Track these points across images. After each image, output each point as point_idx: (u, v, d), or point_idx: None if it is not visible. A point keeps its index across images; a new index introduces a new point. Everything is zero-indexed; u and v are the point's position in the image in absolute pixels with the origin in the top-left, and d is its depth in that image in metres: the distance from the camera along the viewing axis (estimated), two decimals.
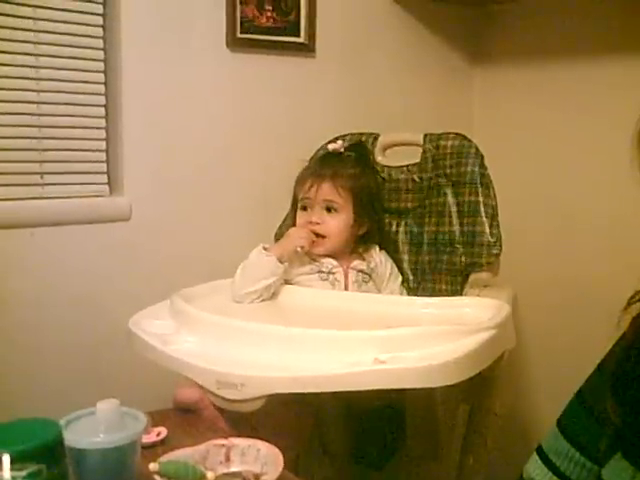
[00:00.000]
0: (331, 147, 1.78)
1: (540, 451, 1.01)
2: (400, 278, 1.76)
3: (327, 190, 1.68)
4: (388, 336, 1.26)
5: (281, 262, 1.60)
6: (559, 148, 2.17)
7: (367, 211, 1.72)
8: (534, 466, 1.00)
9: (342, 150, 1.76)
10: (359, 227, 1.72)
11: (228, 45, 1.90)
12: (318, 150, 1.89)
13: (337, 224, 1.69)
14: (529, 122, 2.25)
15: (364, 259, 1.73)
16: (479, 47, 2.39)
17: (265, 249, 1.61)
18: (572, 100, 2.12)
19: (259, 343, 1.29)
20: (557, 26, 2.14)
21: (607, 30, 2.00)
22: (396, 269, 1.76)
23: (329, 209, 1.69)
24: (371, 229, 1.74)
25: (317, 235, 1.68)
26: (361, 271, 1.70)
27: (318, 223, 1.68)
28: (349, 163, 1.73)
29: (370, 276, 1.71)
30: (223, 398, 1.23)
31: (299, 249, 1.65)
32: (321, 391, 1.20)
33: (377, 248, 1.75)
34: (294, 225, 1.75)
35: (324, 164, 1.74)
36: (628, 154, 0.90)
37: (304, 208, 1.72)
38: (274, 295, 1.62)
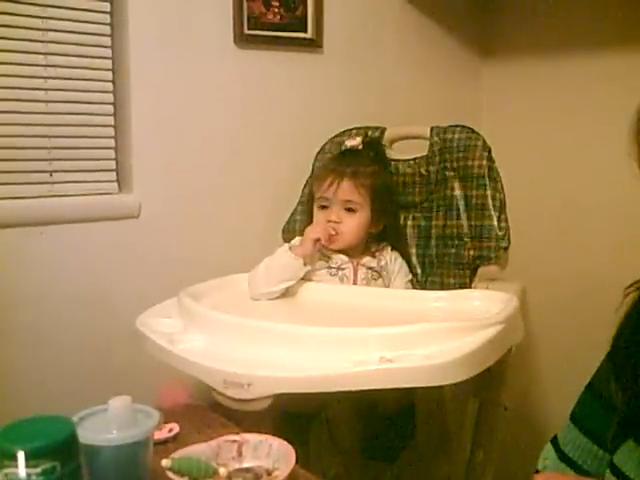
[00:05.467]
0: (349, 144, 1.76)
1: (555, 443, 1.02)
2: (409, 277, 1.75)
3: (347, 189, 1.67)
4: (394, 334, 1.25)
5: (305, 264, 1.61)
6: (567, 142, 2.17)
7: (384, 210, 1.72)
8: (547, 456, 1.01)
9: (360, 147, 1.75)
10: (375, 226, 1.72)
11: (236, 42, 1.90)
12: (325, 144, 1.89)
13: (355, 224, 1.68)
14: (537, 116, 2.25)
15: (375, 257, 1.72)
16: (487, 41, 2.39)
17: (292, 248, 1.61)
18: (580, 94, 2.11)
19: (266, 342, 1.29)
20: (565, 21, 2.13)
21: (616, 24, 1.99)
22: (406, 267, 1.75)
23: (348, 209, 1.68)
24: (387, 227, 1.74)
25: (335, 233, 1.67)
26: (370, 268, 1.70)
27: (337, 222, 1.67)
28: (367, 161, 1.72)
29: (379, 274, 1.70)
30: (230, 397, 1.23)
31: (317, 243, 1.63)
32: (327, 391, 1.20)
33: (389, 248, 1.75)
34: (307, 220, 1.76)
35: (343, 161, 1.72)
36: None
37: (323, 207, 1.70)
38: None
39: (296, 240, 1.71)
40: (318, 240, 1.64)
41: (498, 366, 1.38)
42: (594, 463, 0.96)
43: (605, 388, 0.95)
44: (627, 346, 0.90)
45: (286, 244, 1.65)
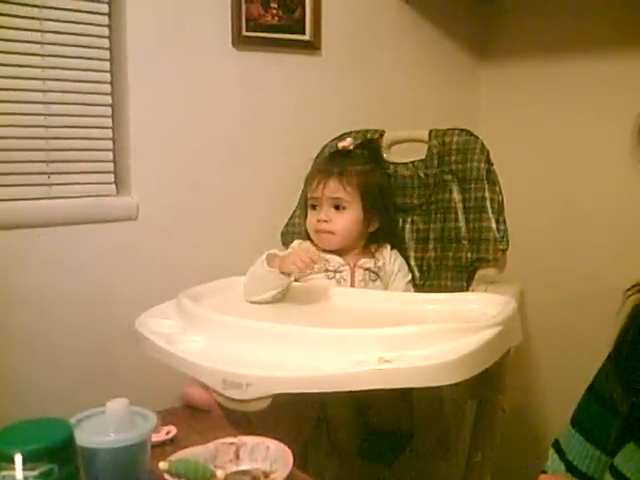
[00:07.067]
0: (340, 145, 1.76)
1: (559, 450, 1.02)
2: (409, 277, 1.75)
3: (333, 187, 1.68)
4: (393, 335, 1.25)
5: (284, 274, 1.55)
6: (565, 144, 2.17)
7: (377, 208, 1.71)
8: (554, 466, 1.01)
9: (351, 148, 1.75)
10: (369, 224, 1.72)
11: (234, 43, 1.90)
12: (324, 147, 1.89)
13: (344, 222, 1.68)
14: (535, 118, 2.25)
15: (373, 257, 1.72)
16: (485, 43, 2.39)
17: (270, 256, 1.55)
18: (579, 96, 2.11)
19: (264, 342, 1.29)
20: (564, 22, 2.13)
21: (615, 25, 1.99)
22: (406, 268, 1.75)
23: (337, 206, 1.68)
24: (382, 226, 1.74)
25: (325, 232, 1.68)
26: (368, 269, 1.69)
27: (326, 221, 1.68)
28: (358, 160, 1.72)
29: (377, 275, 1.70)
30: (229, 398, 1.23)
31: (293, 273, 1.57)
32: (326, 391, 1.20)
33: (389, 247, 1.75)
34: (303, 223, 1.76)
35: (332, 162, 1.74)
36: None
37: (313, 207, 1.72)
38: None
39: (294, 247, 1.69)
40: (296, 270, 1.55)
41: (496, 368, 1.38)
42: (598, 468, 0.96)
43: (607, 391, 0.95)
44: (630, 349, 0.90)
45: (264, 254, 1.58)
